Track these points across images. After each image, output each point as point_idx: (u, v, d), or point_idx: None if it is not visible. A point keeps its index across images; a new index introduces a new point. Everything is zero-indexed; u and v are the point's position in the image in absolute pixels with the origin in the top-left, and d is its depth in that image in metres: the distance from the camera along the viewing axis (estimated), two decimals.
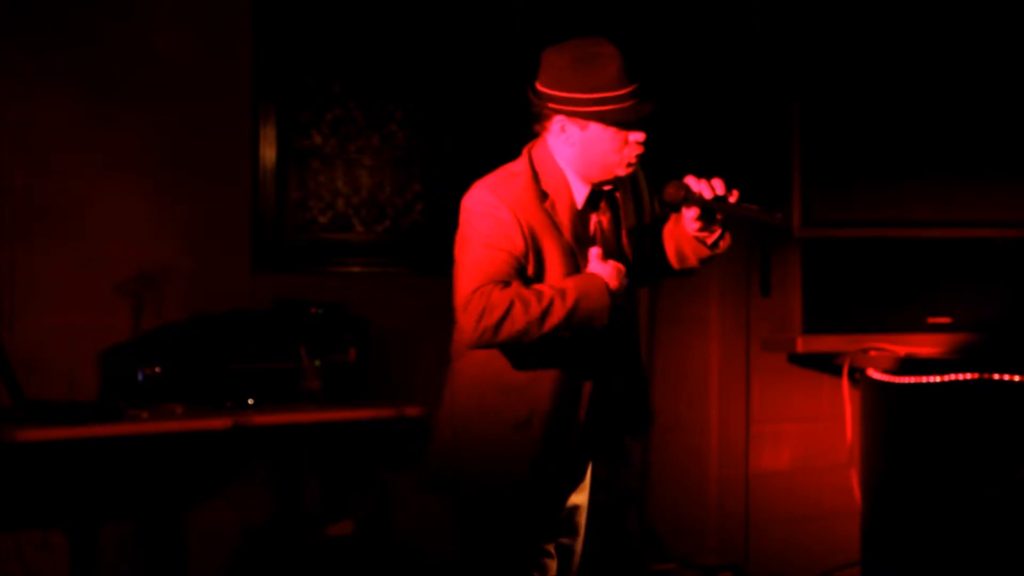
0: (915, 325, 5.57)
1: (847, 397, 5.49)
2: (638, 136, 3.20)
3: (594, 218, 3.28)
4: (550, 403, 3.22)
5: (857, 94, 5.55)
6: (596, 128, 3.17)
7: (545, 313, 3.08)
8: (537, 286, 3.13)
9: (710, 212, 3.22)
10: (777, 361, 5.91)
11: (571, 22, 5.18)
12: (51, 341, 4.77)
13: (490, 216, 3.16)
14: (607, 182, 3.26)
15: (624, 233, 3.34)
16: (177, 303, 4.95)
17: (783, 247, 5.59)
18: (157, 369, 4.66)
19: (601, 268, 3.18)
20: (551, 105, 3.19)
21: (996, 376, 4.99)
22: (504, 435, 3.22)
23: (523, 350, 3.18)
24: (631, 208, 3.36)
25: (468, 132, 5.48)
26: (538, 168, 3.23)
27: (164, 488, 4.94)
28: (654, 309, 5.70)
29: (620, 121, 3.16)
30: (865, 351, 5.45)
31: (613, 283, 3.16)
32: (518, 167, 3.26)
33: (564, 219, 3.22)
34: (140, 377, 4.65)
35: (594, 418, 3.28)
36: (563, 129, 3.20)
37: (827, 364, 5.73)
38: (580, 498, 3.42)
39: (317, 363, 4.83)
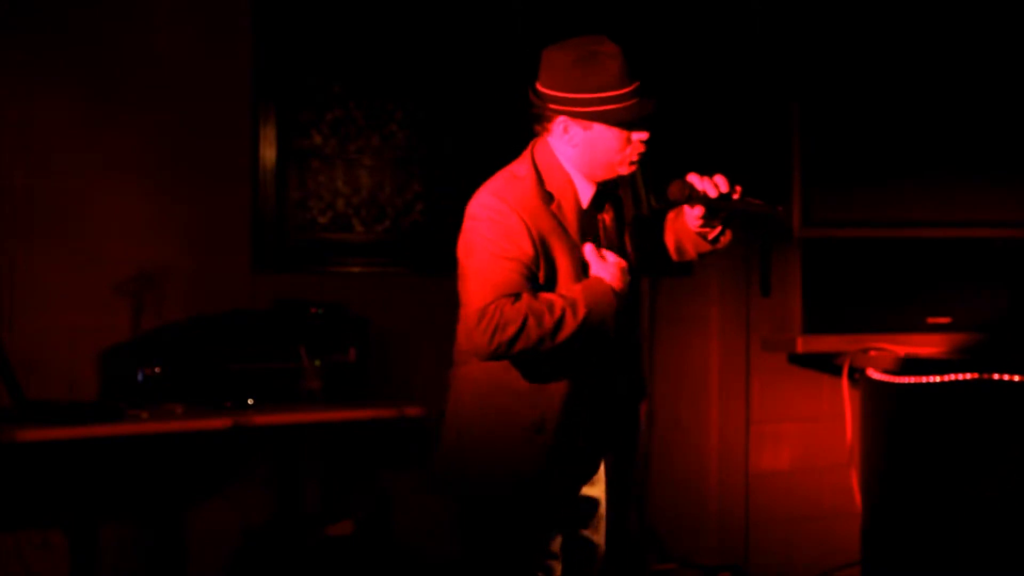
0: (915, 325, 5.57)
1: (847, 397, 5.49)
2: (641, 135, 3.19)
3: (599, 217, 3.28)
4: (560, 405, 3.21)
5: (857, 94, 5.55)
6: (600, 128, 3.16)
7: (558, 325, 3.08)
8: (546, 296, 3.12)
9: (714, 210, 3.23)
10: (777, 361, 5.91)
11: (571, 22, 5.17)
12: (51, 341, 4.77)
13: (498, 223, 3.13)
14: (610, 181, 3.27)
15: (627, 230, 3.34)
16: (177, 303, 4.95)
17: (783, 247, 5.59)
18: (157, 369, 4.66)
19: (604, 270, 3.17)
20: (553, 106, 3.17)
21: (996, 376, 4.99)
22: (515, 439, 3.21)
23: (529, 358, 3.18)
24: (631, 204, 3.37)
25: (468, 132, 5.48)
26: (542, 169, 3.22)
27: (164, 488, 4.94)
28: (654, 308, 5.70)
29: (624, 121, 3.15)
30: (865, 351, 5.45)
31: (618, 284, 3.16)
32: (521, 170, 3.23)
33: (571, 220, 3.21)
34: (140, 377, 4.65)
35: (602, 418, 3.28)
36: (566, 130, 3.18)
37: (827, 364, 5.73)
38: (596, 491, 3.40)
39: (317, 363, 4.83)
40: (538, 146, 3.25)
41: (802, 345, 5.54)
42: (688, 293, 5.86)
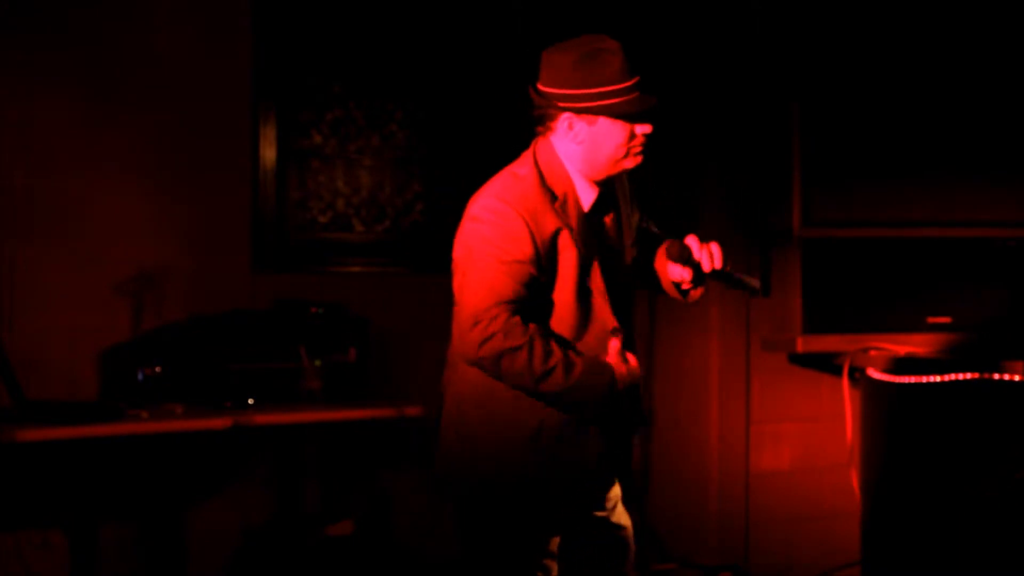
0: (915, 325, 5.57)
1: (847, 397, 5.49)
2: (645, 128, 3.20)
3: (600, 221, 3.28)
4: (557, 414, 3.21)
5: (857, 94, 5.55)
6: (605, 123, 3.17)
7: (547, 373, 3.09)
8: (553, 344, 3.11)
9: (701, 277, 3.33)
10: (777, 361, 5.91)
11: (571, 22, 5.17)
12: (51, 341, 4.77)
13: (499, 226, 3.12)
14: (610, 186, 3.27)
15: (627, 235, 3.35)
16: (177, 303, 4.95)
17: (783, 247, 5.59)
18: (157, 369, 4.66)
19: (618, 362, 3.17)
20: (558, 103, 3.17)
21: (996, 376, 4.99)
22: (516, 444, 3.21)
23: None
24: (627, 210, 3.38)
25: (468, 132, 5.48)
26: (544, 169, 3.22)
27: (164, 488, 4.94)
28: (654, 309, 5.70)
29: (628, 113, 3.16)
30: (865, 351, 5.45)
31: (620, 382, 3.16)
32: (523, 170, 3.23)
33: (573, 222, 3.21)
34: (140, 377, 4.65)
35: (602, 420, 3.28)
36: (571, 126, 3.19)
37: (827, 364, 5.73)
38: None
39: (317, 363, 4.83)
40: (540, 147, 3.25)
41: (802, 345, 5.54)
42: None
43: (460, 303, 3.15)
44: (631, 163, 3.23)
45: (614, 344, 3.20)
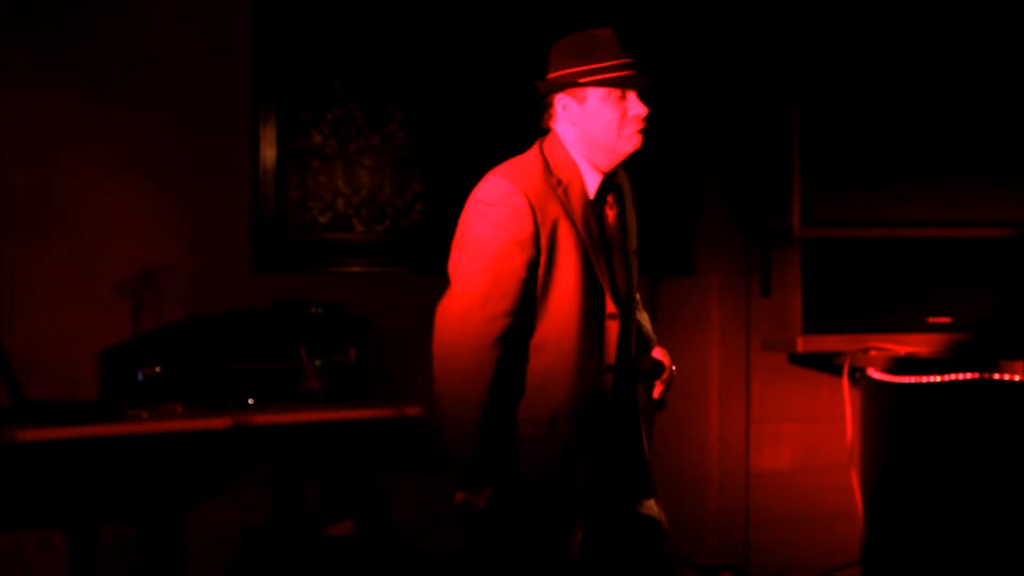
0: (915, 325, 5.57)
1: (847, 397, 5.49)
2: (638, 109, 3.22)
3: (604, 211, 3.30)
4: (570, 399, 3.22)
5: (857, 94, 5.55)
6: (594, 98, 3.21)
7: (458, 407, 3.13)
8: (488, 397, 3.13)
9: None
10: (777, 361, 5.91)
11: (571, 22, 5.17)
12: (51, 341, 4.77)
13: (503, 205, 3.16)
14: (616, 176, 3.30)
15: (629, 229, 3.36)
16: (177, 303, 4.95)
17: (783, 247, 5.59)
18: (157, 369, 4.66)
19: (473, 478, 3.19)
20: (554, 89, 3.24)
21: (996, 376, 4.99)
22: (530, 435, 3.22)
23: (532, 352, 3.20)
24: (630, 207, 3.40)
25: (468, 132, 5.48)
26: (549, 158, 3.26)
27: (164, 488, 4.94)
28: (654, 309, 5.70)
29: (612, 81, 3.19)
30: (865, 351, 5.46)
31: (460, 496, 3.19)
32: (528, 157, 3.28)
33: (576, 208, 3.23)
34: (140, 377, 4.65)
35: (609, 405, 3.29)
36: (565, 108, 3.25)
37: (827, 364, 5.73)
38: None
39: (317, 363, 4.83)
40: (547, 138, 3.30)
41: (802, 345, 5.54)
42: (688, 293, 5.86)
43: (455, 278, 3.20)
44: (629, 145, 3.25)
45: (612, 328, 3.21)
